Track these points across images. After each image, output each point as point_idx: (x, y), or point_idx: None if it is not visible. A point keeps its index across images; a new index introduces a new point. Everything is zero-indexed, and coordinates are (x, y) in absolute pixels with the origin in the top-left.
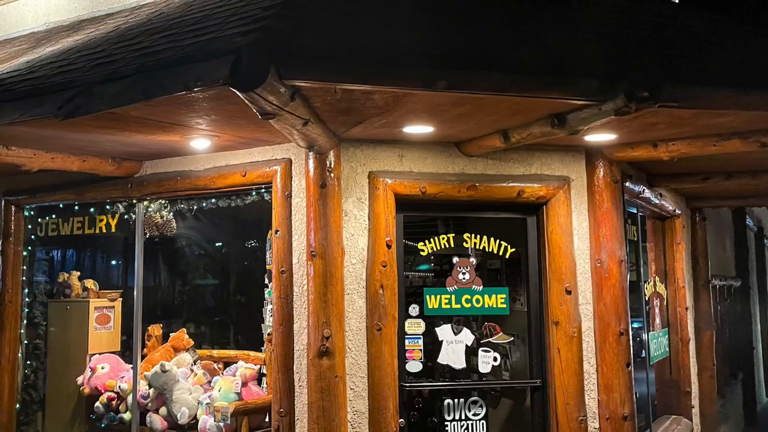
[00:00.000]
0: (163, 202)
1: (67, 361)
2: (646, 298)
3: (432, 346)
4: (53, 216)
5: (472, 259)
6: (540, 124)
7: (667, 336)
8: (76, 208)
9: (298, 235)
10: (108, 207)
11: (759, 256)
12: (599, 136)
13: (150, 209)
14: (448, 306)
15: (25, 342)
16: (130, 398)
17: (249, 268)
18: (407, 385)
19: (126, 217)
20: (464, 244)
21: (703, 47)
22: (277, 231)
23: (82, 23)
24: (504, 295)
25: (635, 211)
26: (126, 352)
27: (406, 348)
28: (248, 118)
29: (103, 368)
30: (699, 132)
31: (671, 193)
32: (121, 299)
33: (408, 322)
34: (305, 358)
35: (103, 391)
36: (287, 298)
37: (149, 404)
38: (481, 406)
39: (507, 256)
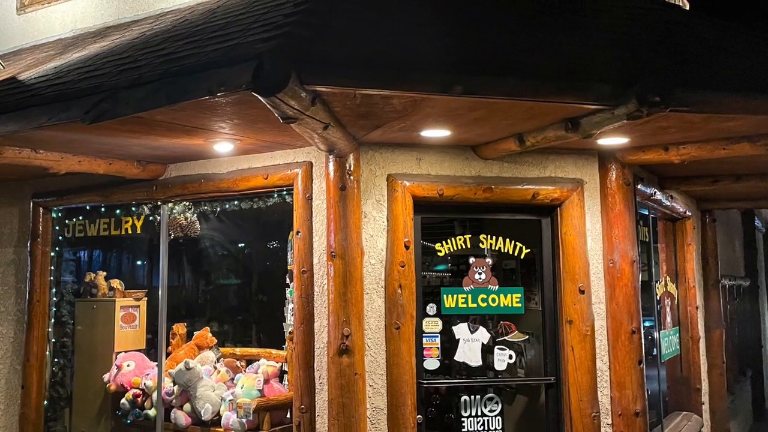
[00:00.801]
0: (188, 204)
1: (93, 358)
2: (658, 298)
3: (449, 344)
4: (80, 217)
5: (488, 260)
6: (554, 128)
7: (677, 334)
8: (103, 209)
9: (318, 236)
10: (133, 209)
11: (767, 257)
12: (612, 140)
13: (174, 211)
14: (465, 305)
15: (53, 340)
16: (155, 395)
17: (271, 268)
18: (425, 382)
19: (151, 218)
20: (480, 244)
21: (713, 53)
22: (298, 232)
23: (108, 30)
24: (519, 295)
25: (647, 213)
26: (151, 350)
27: (424, 346)
28: (270, 122)
29: (128, 366)
30: (709, 136)
31: (682, 195)
32: (146, 298)
33: (426, 321)
34: (325, 355)
35: (128, 388)
36: (308, 297)
37: (174, 401)
38: (497, 403)
39: (522, 257)
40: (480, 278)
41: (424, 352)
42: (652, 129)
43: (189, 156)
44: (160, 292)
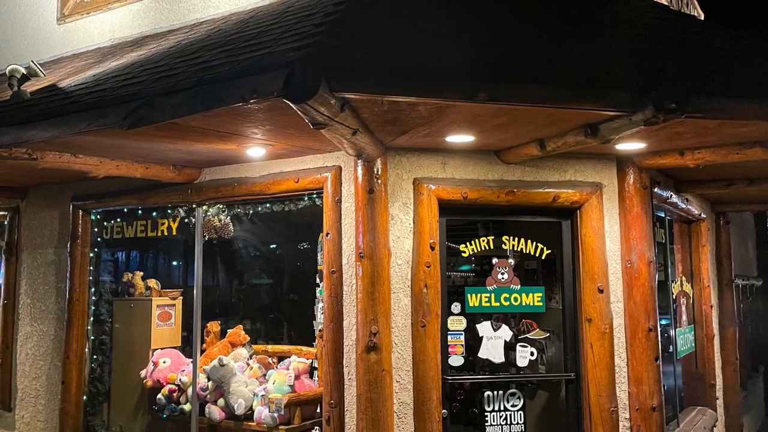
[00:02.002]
0: (221, 206)
1: (131, 355)
2: (674, 297)
3: (473, 341)
4: (118, 219)
5: (511, 260)
6: (574, 133)
7: (693, 332)
8: (140, 212)
9: (347, 238)
10: (169, 211)
11: None
12: (629, 145)
13: (209, 213)
14: (488, 304)
15: (92, 338)
16: (190, 390)
17: (301, 268)
18: (449, 378)
19: (186, 220)
20: (503, 245)
21: (727, 61)
22: (327, 234)
23: (145, 39)
24: (540, 294)
25: (663, 215)
26: (186, 347)
27: (449, 343)
28: (300, 128)
29: (164, 362)
30: (723, 141)
31: (697, 198)
32: (181, 298)
33: (450, 319)
34: (354, 352)
35: (164, 383)
36: (337, 296)
37: (208, 396)
38: (518, 398)
39: (543, 257)
40: (503, 278)
41: (449, 349)
42: (668, 134)
43: (223, 160)
44: (195, 292)
